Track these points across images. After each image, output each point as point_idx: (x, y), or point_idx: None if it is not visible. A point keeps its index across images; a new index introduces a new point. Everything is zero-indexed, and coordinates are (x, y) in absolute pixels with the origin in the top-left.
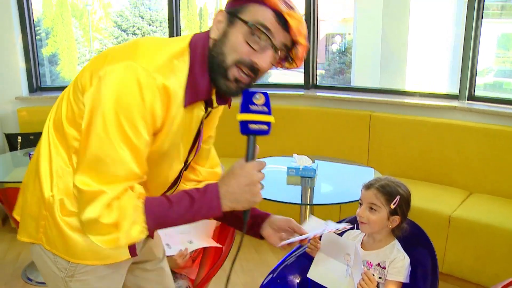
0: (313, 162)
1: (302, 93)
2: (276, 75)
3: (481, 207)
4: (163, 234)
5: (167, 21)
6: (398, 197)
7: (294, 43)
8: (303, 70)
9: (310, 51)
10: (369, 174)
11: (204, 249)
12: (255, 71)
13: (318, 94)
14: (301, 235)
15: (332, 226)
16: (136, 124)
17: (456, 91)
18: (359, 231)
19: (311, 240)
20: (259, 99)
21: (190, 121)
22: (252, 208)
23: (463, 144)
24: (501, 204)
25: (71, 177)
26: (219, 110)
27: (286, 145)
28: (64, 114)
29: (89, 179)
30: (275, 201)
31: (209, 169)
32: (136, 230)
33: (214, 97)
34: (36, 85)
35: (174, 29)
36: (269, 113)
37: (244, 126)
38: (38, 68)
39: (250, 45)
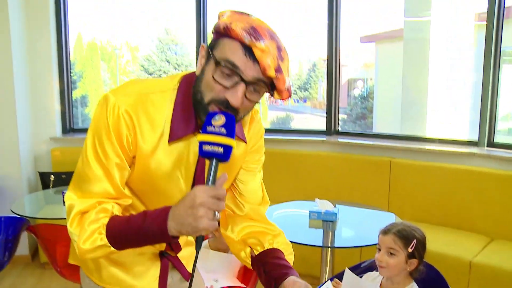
0: (335, 206)
1: (324, 139)
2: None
3: (503, 253)
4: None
5: (192, 65)
6: (415, 241)
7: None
8: (325, 115)
9: (332, 96)
10: (389, 219)
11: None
12: (231, 108)
13: (340, 140)
14: None
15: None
16: (104, 145)
17: (476, 137)
18: (378, 273)
19: (333, 282)
20: (218, 120)
21: (187, 156)
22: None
23: (483, 190)
24: None
25: None
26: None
27: (308, 190)
28: None
29: (73, 194)
30: (297, 243)
31: (253, 206)
32: (92, 242)
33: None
34: (69, 126)
35: None
36: (227, 135)
37: (200, 148)
38: (72, 110)
39: (220, 83)
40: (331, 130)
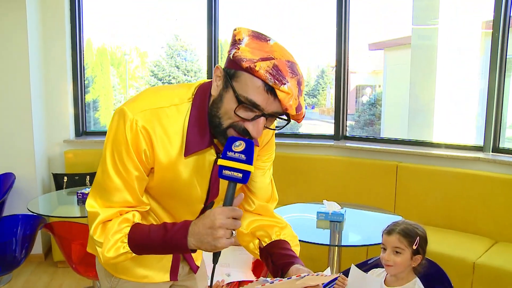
0: (342, 208)
1: (332, 143)
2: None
3: (506, 254)
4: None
5: (201, 71)
6: (418, 238)
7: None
8: (333, 121)
9: (340, 102)
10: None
11: (240, 282)
12: (249, 135)
13: (347, 144)
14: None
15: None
16: (123, 160)
17: (482, 143)
18: (383, 269)
19: (339, 278)
20: (238, 146)
21: (203, 165)
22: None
23: (488, 194)
24: None
25: None
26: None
27: (316, 193)
28: None
29: (94, 202)
30: (305, 242)
31: (261, 203)
32: (115, 250)
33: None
34: (82, 130)
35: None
36: (246, 161)
37: (220, 171)
38: (85, 113)
39: (241, 117)
40: (339, 135)
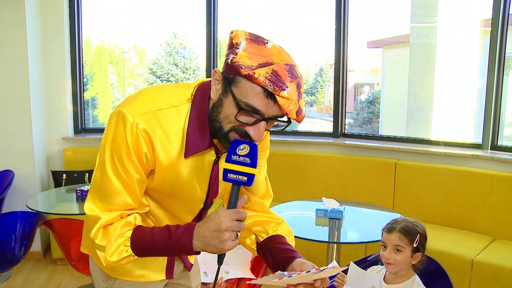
0: (341, 206)
1: (331, 141)
2: (305, 124)
3: (505, 252)
4: (202, 263)
5: (200, 69)
6: (418, 236)
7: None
8: (331, 119)
9: (339, 100)
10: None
11: (239, 279)
12: (251, 137)
13: (346, 142)
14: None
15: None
16: (124, 163)
17: (480, 140)
18: (382, 266)
19: (338, 275)
20: (243, 150)
21: (203, 165)
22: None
23: (486, 191)
24: None
25: None
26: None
27: (315, 190)
28: None
29: (93, 206)
30: (304, 239)
31: (258, 199)
32: (118, 254)
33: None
34: (80, 127)
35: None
36: (250, 165)
37: (225, 174)
38: (84, 111)
39: (242, 122)
40: (338, 132)
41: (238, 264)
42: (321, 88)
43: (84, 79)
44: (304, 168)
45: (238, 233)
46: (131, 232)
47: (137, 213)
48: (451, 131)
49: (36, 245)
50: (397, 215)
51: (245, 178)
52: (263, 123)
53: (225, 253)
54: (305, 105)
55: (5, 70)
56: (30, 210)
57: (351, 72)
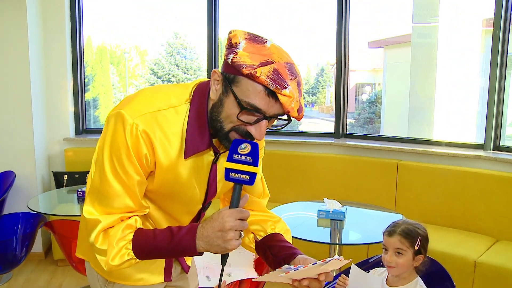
0: (342, 207)
1: (332, 141)
2: (306, 124)
3: (508, 253)
4: (204, 267)
5: (201, 69)
6: (419, 238)
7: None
8: (333, 119)
9: (340, 100)
10: (396, 219)
11: (240, 280)
12: (252, 137)
13: (347, 142)
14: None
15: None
16: (124, 165)
17: (482, 141)
18: (384, 268)
19: (340, 277)
20: (244, 149)
21: (202, 165)
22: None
23: (488, 192)
24: None
25: None
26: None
27: (317, 191)
28: None
29: (93, 209)
30: (306, 240)
31: (255, 199)
32: (120, 258)
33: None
34: (82, 128)
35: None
36: (252, 163)
37: (227, 174)
38: (85, 111)
39: (244, 122)
40: (339, 133)
41: (241, 265)
42: (322, 88)
43: (86, 80)
44: (306, 168)
45: (242, 233)
46: (132, 234)
47: (137, 215)
48: (453, 132)
49: (37, 246)
50: (399, 216)
51: (247, 177)
52: (264, 121)
53: (228, 254)
54: (306, 106)
55: (6, 71)
56: (31, 211)
57: (353, 72)
